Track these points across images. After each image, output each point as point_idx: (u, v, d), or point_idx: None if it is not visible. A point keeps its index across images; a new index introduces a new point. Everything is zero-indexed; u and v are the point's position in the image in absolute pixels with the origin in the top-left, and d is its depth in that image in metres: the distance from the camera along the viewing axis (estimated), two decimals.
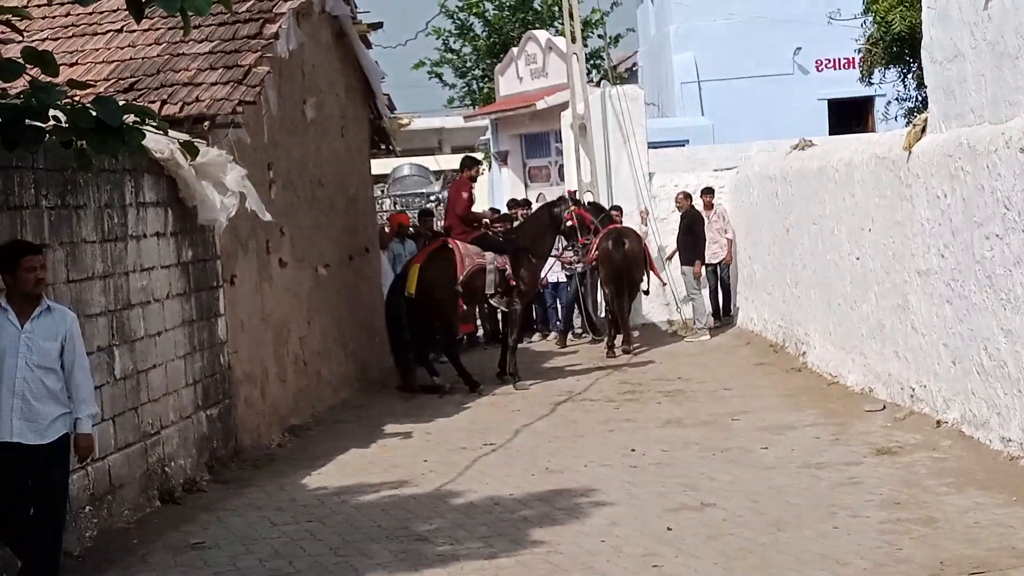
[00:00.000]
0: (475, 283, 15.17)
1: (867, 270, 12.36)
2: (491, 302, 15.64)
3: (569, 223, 15.62)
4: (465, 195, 15.53)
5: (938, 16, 10.51)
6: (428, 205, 22.65)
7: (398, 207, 22.76)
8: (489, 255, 15.21)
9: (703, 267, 18.43)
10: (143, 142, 9.50)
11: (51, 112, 7.13)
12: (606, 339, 17.72)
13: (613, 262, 16.92)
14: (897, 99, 17.53)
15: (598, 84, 26.49)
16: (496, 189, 28.05)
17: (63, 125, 7.14)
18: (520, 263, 15.35)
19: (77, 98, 7.48)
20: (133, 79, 11.68)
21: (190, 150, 7.51)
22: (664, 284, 18.50)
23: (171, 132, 8.76)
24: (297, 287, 13.60)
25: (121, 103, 7.40)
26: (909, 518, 8.19)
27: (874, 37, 15.49)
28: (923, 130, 10.82)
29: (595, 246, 16.79)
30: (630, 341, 17.46)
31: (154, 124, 7.40)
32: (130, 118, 7.28)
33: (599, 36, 32.32)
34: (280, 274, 13.02)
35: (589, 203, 18.00)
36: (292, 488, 10.34)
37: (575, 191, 16.79)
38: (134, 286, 9.80)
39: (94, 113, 7.07)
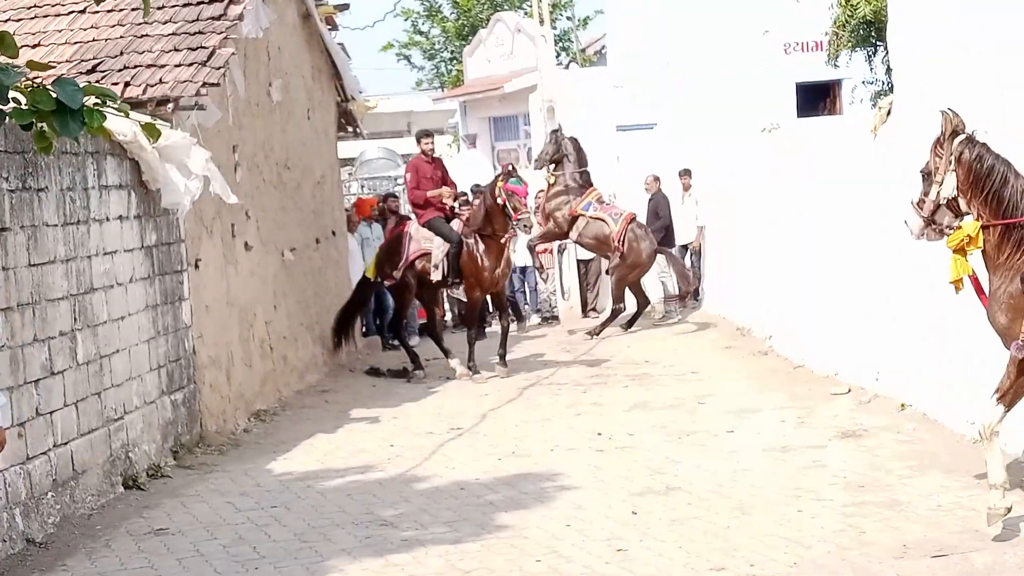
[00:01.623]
0: (418, 268, 14.97)
1: (833, 255, 12.38)
2: (448, 290, 15.40)
3: (499, 200, 14.51)
4: (409, 176, 15.27)
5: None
6: (395, 188, 22.52)
7: (365, 190, 22.65)
8: (437, 240, 14.84)
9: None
10: (105, 124, 9.48)
11: (11, 94, 7.04)
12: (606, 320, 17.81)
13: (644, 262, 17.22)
14: (863, 82, 17.56)
15: (567, 66, 26.48)
16: (467, 171, 27.96)
17: (23, 107, 7.06)
18: (461, 251, 14.76)
19: (38, 80, 7.39)
20: (96, 61, 11.54)
21: (151, 132, 7.44)
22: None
23: (133, 114, 8.66)
24: (263, 271, 13.52)
25: (82, 85, 7.32)
26: (873, 501, 8.22)
27: (840, 20, 15.52)
28: (888, 113, 10.84)
29: (621, 237, 16.97)
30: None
31: (115, 106, 7.32)
32: (91, 100, 7.21)
33: (568, 18, 32.35)
34: (245, 257, 12.94)
35: (574, 145, 17.69)
36: (257, 473, 10.29)
37: (510, 164, 16.36)
38: (97, 270, 9.72)
39: (54, 95, 7.00)
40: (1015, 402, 7.38)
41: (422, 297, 15.91)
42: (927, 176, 7.49)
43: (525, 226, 14.76)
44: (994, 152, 7.35)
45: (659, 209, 18.59)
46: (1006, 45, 9.08)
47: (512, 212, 14.37)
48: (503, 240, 14.78)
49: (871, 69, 16.59)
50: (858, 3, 14.51)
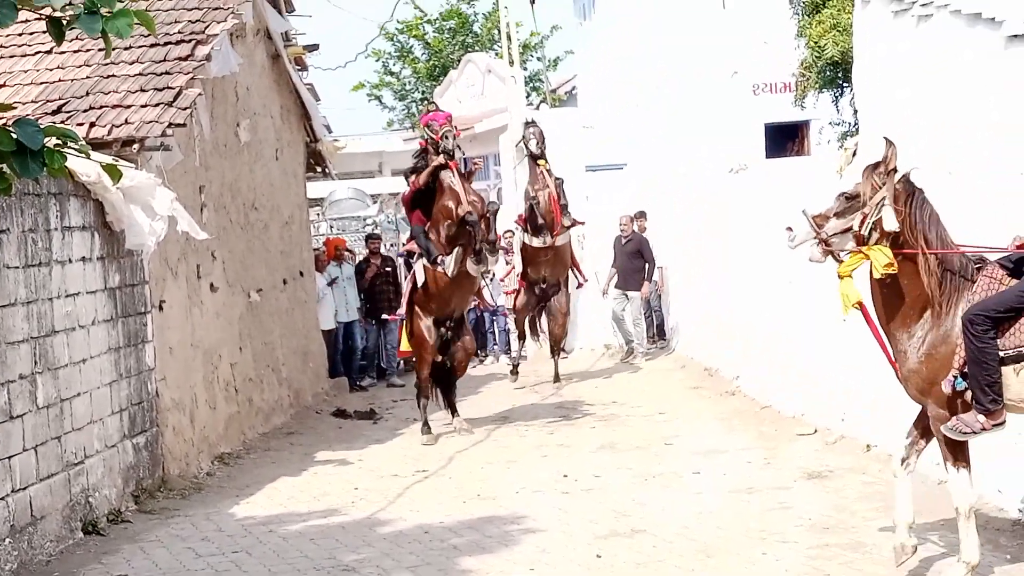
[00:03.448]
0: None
1: (798, 297, 12.40)
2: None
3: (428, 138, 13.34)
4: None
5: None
6: (373, 229, 22.43)
7: (335, 230, 22.61)
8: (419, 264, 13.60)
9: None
10: (68, 165, 9.42)
11: None
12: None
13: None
14: (830, 123, 17.68)
15: (538, 107, 26.56)
16: None
17: None
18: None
19: (1, 120, 7.33)
20: (62, 101, 11.49)
21: (112, 173, 7.34)
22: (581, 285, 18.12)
23: (98, 155, 8.59)
24: (228, 312, 13.44)
25: (43, 125, 7.26)
26: (837, 543, 8.20)
27: (808, 62, 15.63)
28: (854, 154, 10.89)
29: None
30: None
31: (76, 147, 7.25)
32: (52, 140, 7.14)
33: (538, 59, 32.50)
34: (211, 299, 12.86)
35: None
36: (219, 518, 10.17)
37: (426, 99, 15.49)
38: (58, 312, 9.63)
39: (14, 135, 6.93)
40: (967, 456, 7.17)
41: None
42: (850, 199, 7.10)
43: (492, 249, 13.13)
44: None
45: (643, 250, 18.33)
46: (967, 87, 9.16)
47: (450, 149, 13.13)
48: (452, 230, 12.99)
49: (838, 110, 16.69)
50: (825, 45, 14.61)
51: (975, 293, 6.97)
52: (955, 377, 6.89)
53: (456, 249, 13.00)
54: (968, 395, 6.91)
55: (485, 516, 9.65)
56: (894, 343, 7.20)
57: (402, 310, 13.99)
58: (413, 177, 13.57)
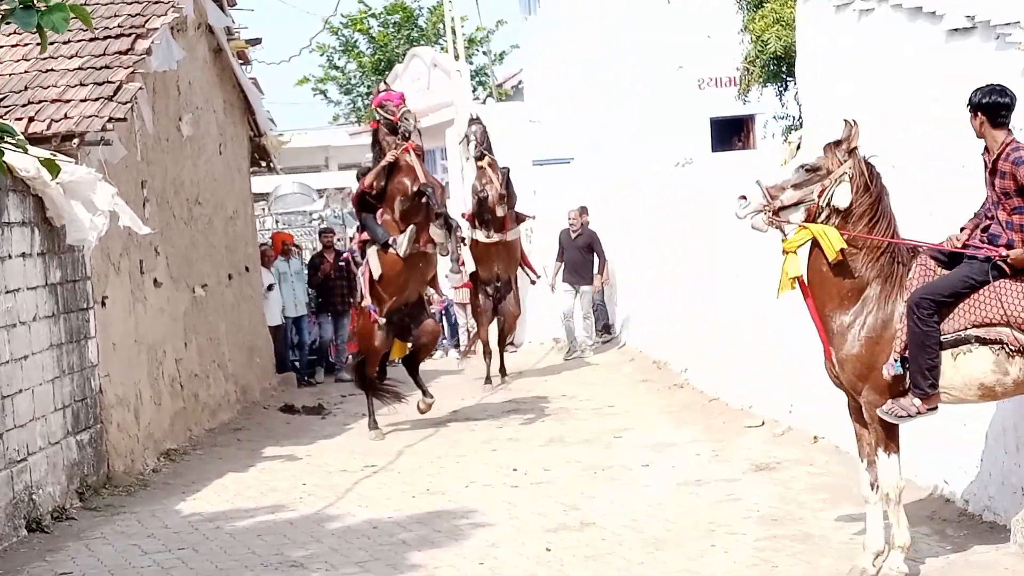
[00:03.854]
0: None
1: (746, 288, 12.45)
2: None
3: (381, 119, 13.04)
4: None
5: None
6: (320, 224, 22.26)
7: (280, 225, 22.47)
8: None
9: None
10: (7, 160, 9.27)
11: None
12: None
13: None
14: (775, 117, 17.77)
15: (484, 101, 26.54)
16: None
17: None
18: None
19: None
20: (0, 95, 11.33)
21: (51, 168, 7.24)
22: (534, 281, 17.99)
23: (37, 150, 8.49)
24: (173, 308, 13.30)
25: None
26: (785, 534, 8.23)
27: (751, 56, 15.69)
28: (798, 147, 10.92)
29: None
30: None
31: (13, 142, 7.13)
32: None
33: (484, 53, 32.45)
34: (155, 294, 12.72)
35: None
36: (165, 514, 10.07)
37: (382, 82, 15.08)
38: None
39: None
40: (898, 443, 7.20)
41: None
42: (809, 171, 7.09)
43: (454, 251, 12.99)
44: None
45: (594, 244, 18.26)
46: (908, 81, 9.22)
47: (410, 130, 12.85)
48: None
49: (782, 104, 16.77)
50: (768, 39, 14.67)
51: (911, 280, 7.04)
52: (895, 361, 6.94)
53: (410, 227, 12.65)
54: (905, 380, 6.97)
55: (434, 511, 9.61)
56: (828, 325, 7.22)
57: (367, 301, 13.25)
58: (363, 178, 13.30)
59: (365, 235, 13.24)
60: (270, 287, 17.45)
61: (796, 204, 7.10)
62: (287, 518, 9.75)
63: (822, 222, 7.09)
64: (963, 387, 6.95)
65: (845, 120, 7.20)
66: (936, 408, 7.01)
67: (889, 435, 7.13)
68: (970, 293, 6.88)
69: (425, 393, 13.65)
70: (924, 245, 7.20)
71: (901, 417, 6.99)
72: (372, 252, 12.99)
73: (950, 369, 6.90)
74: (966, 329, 6.86)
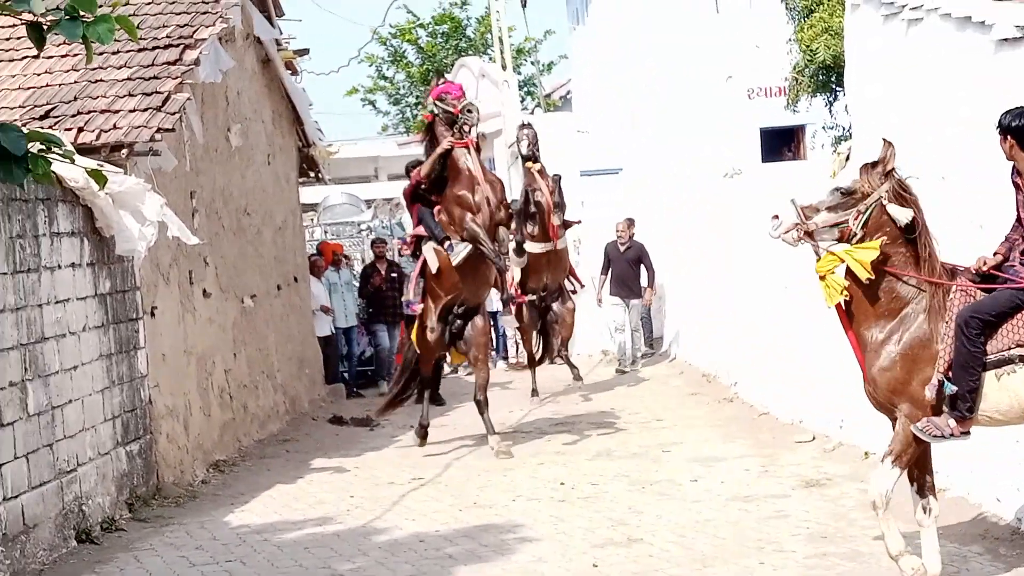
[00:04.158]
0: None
1: (794, 301, 12.33)
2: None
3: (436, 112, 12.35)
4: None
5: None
6: (368, 234, 22.31)
7: (329, 235, 22.55)
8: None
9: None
10: (56, 170, 9.35)
11: None
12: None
13: None
14: (824, 127, 17.61)
15: (532, 112, 26.50)
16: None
17: None
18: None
19: None
20: (49, 106, 11.41)
21: (97, 178, 7.28)
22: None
23: (84, 160, 8.52)
24: (222, 318, 13.35)
25: (27, 131, 7.18)
26: (835, 552, 8.12)
27: (800, 66, 15.56)
28: (847, 158, 10.81)
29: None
30: None
31: (60, 152, 7.17)
32: (35, 146, 7.07)
33: (532, 63, 32.43)
34: (204, 305, 12.77)
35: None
36: (213, 526, 10.08)
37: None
38: (48, 319, 9.53)
39: None
40: (910, 463, 7.11)
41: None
42: (845, 194, 6.97)
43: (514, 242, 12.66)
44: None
45: (643, 257, 17.99)
46: (957, 91, 9.08)
47: (473, 123, 12.25)
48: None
49: (832, 114, 16.60)
50: (817, 48, 14.51)
51: (951, 299, 6.93)
52: (940, 381, 6.84)
53: (468, 246, 12.12)
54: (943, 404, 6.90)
55: (481, 524, 9.56)
56: (862, 342, 7.12)
57: (418, 304, 13.03)
58: (415, 169, 12.74)
59: (420, 229, 12.64)
60: (324, 308, 17.41)
61: (831, 227, 7.02)
62: (334, 530, 9.73)
63: (857, 243, 6.98)
64: (1008, 408, 6.84)
65: (883, 139, 7.10)
66: (969, 433, 6.90)
67: (904, 451, 7.01)
68: (1014, 313, 6.79)
69: (490, 431, 12.69)
70: (959, 274, 7.08)
71: (936, 436, 6.89)
72: (429, 247, 12.47)
73: (995, 391, 6.80)
74: (1010, 349, 6.77)
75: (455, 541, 9.11)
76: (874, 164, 7.04)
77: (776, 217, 7.09)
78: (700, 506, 9.71)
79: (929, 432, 6.89)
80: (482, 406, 12.68)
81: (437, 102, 12.36)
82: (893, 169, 6.99)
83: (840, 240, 7.02)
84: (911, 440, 6.98)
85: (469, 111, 12.15)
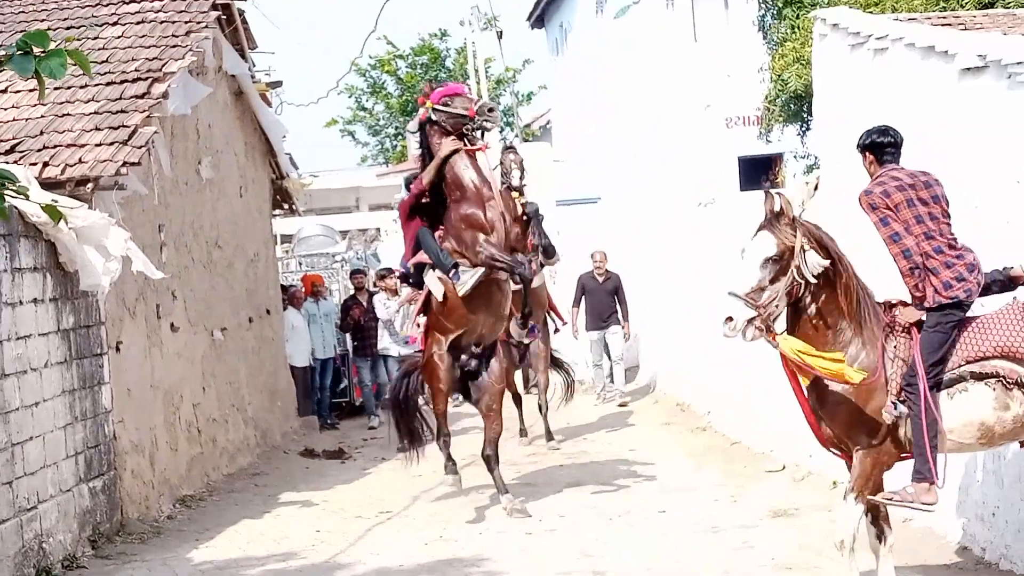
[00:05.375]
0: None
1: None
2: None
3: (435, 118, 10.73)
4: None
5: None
6: (342, 266, 22.29)
7: (303, 267, 22.49)
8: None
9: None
10: (19, 206, 9.29)
11: None
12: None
13: None
14: (795, 156, 17.65)
15: (509, 144, 26.48)
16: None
17: None
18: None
19: None
20: (15, 140, 11.32)
21: (52, 214, 7.24)
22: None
23: (40, 195, 8.45)
24: (190, 352, 13.26)
25: None
26: None
27: (771, 95, 15.60)
28: (815, 188, 10.82)
29: None
30: None
31: (14, 188, 7.10)
32: None
33: (512, 94, 32.49)
34: (171, 339, 12.68)
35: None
36: (176, 562, 9.97)
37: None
38: (8, 355, 9.43)
39: None
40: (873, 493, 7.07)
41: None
42: (776, 261, 6.90)
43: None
44: None
45: (619, 289, 17.63)
46: (921, 119, 9.09)
47: (488, 128, 10.77)
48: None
49: (804, 144, 16.65)
50: (788, 78, 14.57)
51: (894, 342, 6.93)
52: (894, 404, 6.81)
53: (479, 271, 10.66)
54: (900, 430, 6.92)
55: (446, 559, 9.48)
56: (813, 395, 7.15)
57: (410, 329, 11.88)
58: (415, 181, 11.09)
59: (422, 255, 11.08)
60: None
61: (781, 296, 6.95)
62: (298, 566, 9.64)
63: (805, 294, 6.97)
64: (962, 428, 6.79)
65: (766, 193, 7.08)
66: (934, 504, 6.85)
67: (865, 483, 6.99)
68: (959, 330, 6.76)
69: (501, 490, 11.28)
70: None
71: (896, 502, 6.90)
72: (432, 277, 10.99)
73: (947, 410, 6.75)
74: (960, 366, 6.74)
75: None
76: (777, 218, 6.95)
77: (730, 319, 6.98)
78: (668, 537, 9.64)
79: (890, 499, 6.86)
80: (491, 462, 11.27)
81: (440, 107, 10.74)
82: (795, 217, 6.98)
83: (789, 295, 6.95)
84: (869, 472, 6.96)
85: (491, 110, 10.69)
